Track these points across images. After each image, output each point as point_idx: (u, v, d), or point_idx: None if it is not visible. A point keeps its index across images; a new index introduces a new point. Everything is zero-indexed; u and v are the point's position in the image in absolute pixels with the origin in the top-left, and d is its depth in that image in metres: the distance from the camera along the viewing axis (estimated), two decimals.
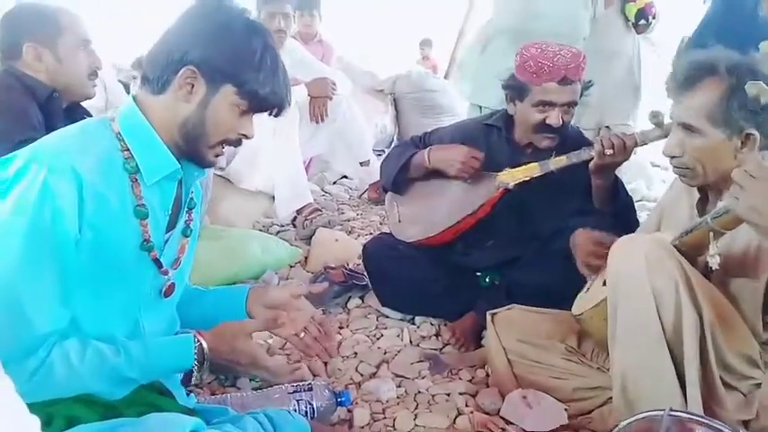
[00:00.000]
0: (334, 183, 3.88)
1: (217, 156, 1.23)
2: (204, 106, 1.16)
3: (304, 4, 4.14)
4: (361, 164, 3.48)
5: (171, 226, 1.26)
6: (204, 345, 1.21)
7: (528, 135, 2.04)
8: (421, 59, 7.30)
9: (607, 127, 3.26)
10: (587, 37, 2.92)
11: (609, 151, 1.82)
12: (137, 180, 1.16)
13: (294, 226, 2.99)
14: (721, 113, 1.34)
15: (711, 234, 1.25)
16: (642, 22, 3.16)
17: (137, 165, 1.15)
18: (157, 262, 1.21)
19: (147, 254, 1.19)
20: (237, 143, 1.24)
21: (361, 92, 4.61)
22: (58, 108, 1.82)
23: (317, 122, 3.30)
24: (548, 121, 1.96)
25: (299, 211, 2.96)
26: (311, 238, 2.79)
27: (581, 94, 2.01)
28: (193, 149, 1.21)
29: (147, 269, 1.21)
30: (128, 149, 1.15)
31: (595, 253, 1.58)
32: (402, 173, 2.16)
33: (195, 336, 1.22)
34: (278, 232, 2.96)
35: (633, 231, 1.95)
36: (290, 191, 2.97)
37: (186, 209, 1.30)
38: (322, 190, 3.68)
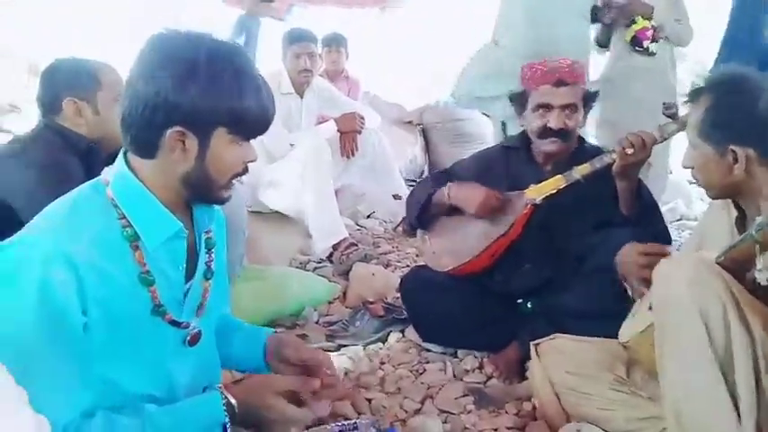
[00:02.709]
0: (369, 216, 3.88)
1: (232, 186, 1.20)
2: (202, 158, 1.11)
3: (330, 41, 4.24)
4: (393, 197, 3.49)
5: (190, 275, 1.23)
6: (233, 401, 1.18)
7: (537, 144, 2.08)
8: None
9: None
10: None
11: (630, 150, 1.86)
12: (138, 247, 1.11)
13: (331, 262, 2.99)
14: (704, 128, 1.42)
15: (757, 247, 1.21)
16: (637, 48, 3.13)
17: (135, 232, 1.11)
18: (173, 323, 1.19)
19: (161, 317, 1.17)
20: (245, 171, 1.20)
21: (390, 124, 4.65)
22: (98, 159, 1.87)
23: (347, 157, 3.33)
24: (548, 125, 2.01)
25: (335, 247, 2.96)
26: (348, 273, 2.79)
27: (587, 104, 2.06)
28: (204, 196, 1.18)
29: (165, 329, 1.19)
30: (124, 217, 1.11)
31: (649, 265, 1.50)
32: (424, 211, 2.17)
33: (223, 392, 1.19)
34: (315, 269, 2.97)
35: (665, 235, 2.01)
36: (325, 227, 2.98)
37: (206, 250, 1.26)
38: (356, 224, 3.68)
